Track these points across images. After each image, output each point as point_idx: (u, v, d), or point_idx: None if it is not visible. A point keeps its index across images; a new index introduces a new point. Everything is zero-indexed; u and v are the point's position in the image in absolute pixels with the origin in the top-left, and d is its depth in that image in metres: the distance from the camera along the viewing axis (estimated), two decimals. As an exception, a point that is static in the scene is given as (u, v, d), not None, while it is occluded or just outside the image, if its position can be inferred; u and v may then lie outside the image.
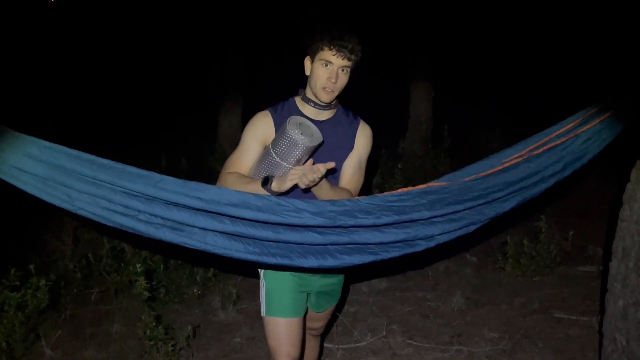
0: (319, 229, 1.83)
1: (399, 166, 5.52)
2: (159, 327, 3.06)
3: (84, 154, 1.73)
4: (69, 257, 4.19)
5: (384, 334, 3.43)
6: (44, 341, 3.27)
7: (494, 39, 8.69)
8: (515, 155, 2.37)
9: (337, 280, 2.31)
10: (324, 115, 2.14)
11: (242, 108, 6.82)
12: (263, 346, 3.35)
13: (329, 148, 2.10)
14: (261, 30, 6.95)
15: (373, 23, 7.79)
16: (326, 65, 1.99)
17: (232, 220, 1.77)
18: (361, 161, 2.21)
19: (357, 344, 3.35)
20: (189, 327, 3.29)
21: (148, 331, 3.05)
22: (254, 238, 1.81)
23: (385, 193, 2.03)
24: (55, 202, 1.74)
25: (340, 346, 3.31)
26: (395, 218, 1.90)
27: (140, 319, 3.12)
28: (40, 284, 3.26)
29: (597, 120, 2.46)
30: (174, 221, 1.76)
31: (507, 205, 2.27)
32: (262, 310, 2.19)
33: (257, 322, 3.63)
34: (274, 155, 1.91)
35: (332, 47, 1.96)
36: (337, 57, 1.97)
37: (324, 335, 3.02)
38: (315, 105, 2.09)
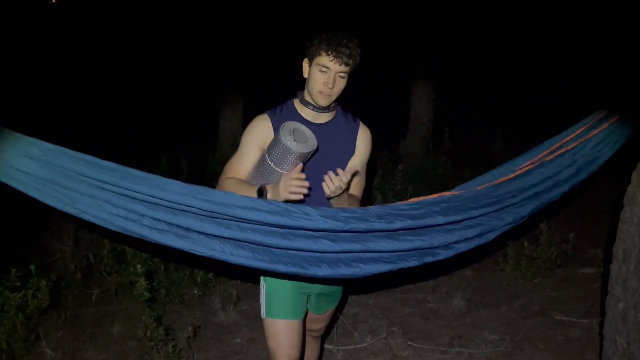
0: (331, 235, 1.81)
1: (400, 167, 5.52)
2: (160, 328, 3.06)
3: (87, 156, 1.71)
4: (70, 257, 4.19)
5: (384, 335, 3.43)
6: (45, 342, 3.27)
7: (494, 39, 8.69)
8: (527, 163, 2.36)
9: (337, 282, 2.31)
10: (323, 118, 2.13)
11: (242, 109, 6.82)
12: (263, 347, 3.35)
13: (329, 151, 2.11)
14: (261, 31, 6.95)
15: (373, 24, 7.79)
16: (323, 71, 1.98)
17: (240, 226, 1.74)
18: (363, 165, 2.22)
19: (358, 346, 3.35)
20: (189, 328, 3.29)
21: (148, 332, 3.05)
22: (263, 245, 1.78)
23: (396, 203, 2.02)
24: (58, 205, 1.71)
25: (340, 347, 3.31)
26: (408, 223, 1.87)
27: (140, 319, 3.12)
28: (41, 285, 3.25)
29: (607, 124, 2.46)
30: (179, 226, 1.73)
31: (524, 211, 2.26)
32: (262, 312, 2.18)
33: (257, 323, 3.63)
34: (268, 161, 1.90)
35: (329, 53, 1.95)
36: (335, 63, 1.96)
37: (324, 336, 3.02)
38: (314, 108, 2.09)
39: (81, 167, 1.68)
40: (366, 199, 2.26)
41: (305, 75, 2.07)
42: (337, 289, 2.35)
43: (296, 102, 2.14)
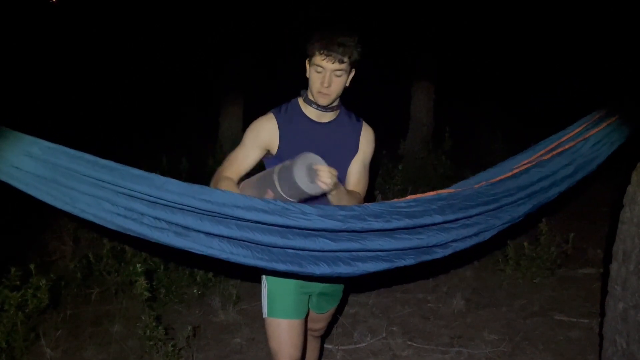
0: (330, 235, 1.80)
1: (400, 167, 5.52)
2: (159, 328, 3.05)
3: (86, 155, 1.71)
4: (70, 257, 4.19)
5: (384, 335, 3.43)
6: (44, 341, 3.27)
7: (494, 39, 8.69)
8: (525, 162, 2.36)
9: (338, 281, 2.31)
10: (327, 117, 2.14)
11: (243, 109, 6.82)
12: (263, 347, 3.35)
13: (332, 150, 2.11)
14: (261, 31, 6.95)
15: (374, 24, 7.79)
16: (319, 71, 1.99)
17: (239, 225, 1.73)
18: (366, 164, 2.22)
19: (357, 345, 3.35)
20: (189, 328, 3.29)
21: (148, 331, 3.05)
22: (261, 244, 1.77)
23: (393, 200, 2.01)
24: (57, 204, 1.70)
25: (340, 347, 3.31)
26: (406, 222, 1.87)
27: (140, 319, 3.12)
28: (41, 284, 3.25)
29: (605, 124, 2.45)
30: (178, 225, 1.73)
31: (522, 210, 2.25)
32: (263, 312, 2.18)
33: (257, 323, 3.63)
34: (278, 188, 1.88)
35: (322, 52, 1.94)
36: (328, 62, 1.95)
37: (324, 336, 3.02)
38: (317, 107, 2.09)
39: (81, 166, 1.68)
40: (367, 199, 2.26)
41: (307, 75, 2.07)
42: (338, 288, 2.36)
43: (300, 101, 2.14)
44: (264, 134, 2.09)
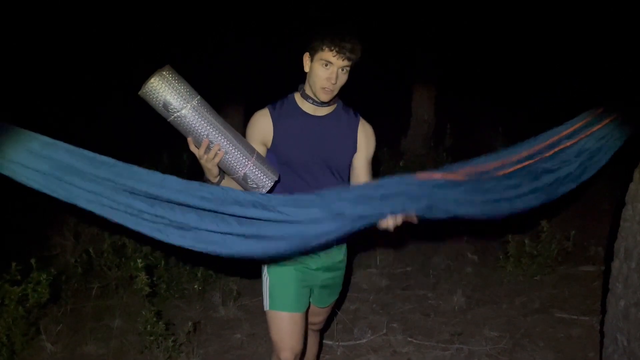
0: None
1: (401, 164, 5.52)
2: (160, 323, 3.06)
3: (86, 151, 1.70)
4: (70, 251, 4.19)
5: (385, 331, 3.43)
6: (45, 335, 3.27)
7: (495, 38, 8.68)
8: (524, 153, 2.33)
9: (339, 274, 2.32)
10: (323, 111, 2.14)
11: (244, 104, 6.81)
12: (263, 342, 3.35)
13: (329, 143, 2.13)
14: (261, 29, 6.94)
15: (375, 22, 7.78)
16: (326, 66, 1.98)
17: (240, 222, 1.74)
18: (369, 160, 2.25)
19: (358, 342, 3.35)
20: (190, 323, 3.29)
21: (148, 326, 3.05)
22: (264, 237, 1.78)
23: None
24: (59, 196, 1.70)
25: (340, 343, 3.31)
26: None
27: (140, 314, 3.12)
28: (41, 279, 3.25)
29: (608, 120, 2.43)
30: (177, 223, 1.72)
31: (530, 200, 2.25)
32: (265, 305, 2.19)
33: (257, 318, 3.63)
34: (173, 120, 1.83)
35: (332, 48, 1.94)
36: (338, 58, 1.96)
37: (324, 332, 3.03)
38: (314, 102, 2.09)
39: (80, 162, 1.67)
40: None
41: (306, 69, 2.06)
42: (339, 281, 2.36)
43: (297, 96, 2.15)
44: (258, 128, 2.11)
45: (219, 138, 1.82)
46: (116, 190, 1.69)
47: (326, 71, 1.99)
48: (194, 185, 1.71)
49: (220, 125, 1.84)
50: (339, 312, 3.55)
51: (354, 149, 2.19)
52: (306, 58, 2.05)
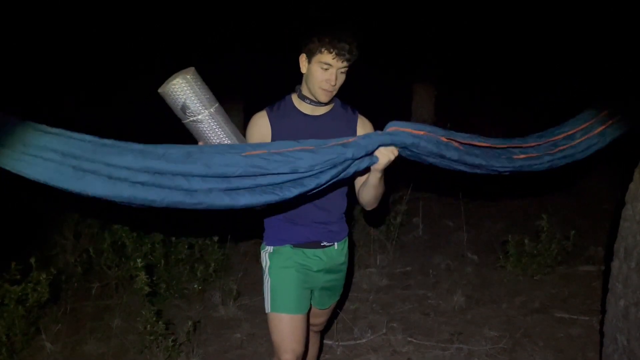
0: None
1: (401, 163, 5.51)
2: (160, 322, 3.06)
3: (87, 136, 1.68)
4: (70, 251, 4.19)
5: (384, 331, 3.43)
6: (44, 335, 3.27)
7: (496, 37, 8.68)
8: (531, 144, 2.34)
9: (340, 276, 2.33)
10: (321, 110, 2.14)
11: (243, 104, 6.82)
12: (263, 342, 3.35)
13: None
14: (261, 31, 6.94)
15: (375, 21, 7.77)
16: (325, 68, 1.97)
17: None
18: None
19: (358, 341, 3.35)
20: (189, 323, 3.29)
21: (148, 326, 3.05)
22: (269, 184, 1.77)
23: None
24: (65, 184, 1.67)
25: (340, 343, 3.31)
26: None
27: (140, 313, 3.12)
28: (41, 278, 3.25)
29: (610, 122, 2.43)
30: (182, 188, 1.69)
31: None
32: (266, 307, 2.18)
33: (257, 318, 3.63)
34: (189, 122, 1.83)
35: (331, 50, 1.93)
36: (337, 60, 1.95)
37: (325, 331, 3.02)
38: (312, 102, 2.09)
39: (81, 148, 1.65)
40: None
41: (303, 70, 2.06)
42: (340, 283, 2.36)
43: (294, 97, 2.15)
44: (257, 130, 2.11)
45: None
46: (120, 168, 1.66)
47: (325, 73, 1.98)
48: (195, 154, 1.69)
49: (233, 135, 1.85)
50: (339, 312, 3.55)
51: None
52: (303, 59, 2.04)
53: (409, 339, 3.34)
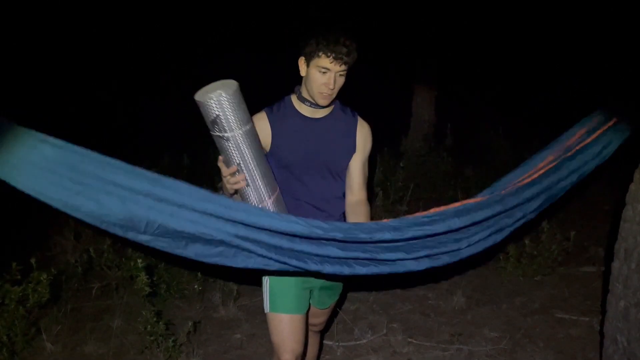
0: (339, 244, 1.81)
1: (401, 164, 5.52)
2: (160, 323, 3.05)
3: (92, 152, 1.67)
4: (70, 251, 4.19)
5: (385, 332, 3.43)
6: (45, 335, 3.27)
7: (496, 38, 8.68)
8: (545, 162, 2.34)
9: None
10: (321, 113, 2.13)
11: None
12: (263, 343, 3.35)
13: (328, 144, 2.12)
14: (261, 30, 6.95)
15: (376, 22, 7.78)
16: (324, 72, 1.96)
17: (247, 228, 1.73)
18: (365, 161, 2.24)
19: (358, 342, 3.35)
20: (190, 323, 3.29)
21: (149, 326, 3.05)
22: (267, 244, 1.78)
23: (417, 214, 1.98)
24: (58, 202, 1.68)
25: (340, 344, 3.31)
26: (422, 232, 1.88)
27: (140, 314, 3.12)
28: (42, 279, 3.25)
29: (610, 123, 2.44)
30: (187, 220, 1.72)
31: (534, 204, 2.25)
32: (265, 307, 2.18)
33: (257, 318, 3.63)
34: (216, 135, 1.82)
35: (329, 55, 1.92)
36: (335, 64, 1.94)
37: (324, 332, 3.03)
38: (311, 104, 2.09)
39: (85, 163, 1.65)
40: (367, 196, 2.26)
41: (302, 73, 2.05)
42: (339, 283, 2.36)
43: (293, 98, 2.14)
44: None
45: (249, 171, 1.85)
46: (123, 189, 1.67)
47: (323, 77, 1.97)
48: (213, 197, 1.72)
49: (256, 159, 1.86)
50: (339, 312, 3.55)
51: (353, 150, 2.18)
52: (302, 62, 2.03)
53: (409, 339, 3.34)
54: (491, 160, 6.08)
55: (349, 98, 2.22)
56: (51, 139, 1.64)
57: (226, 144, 1.79)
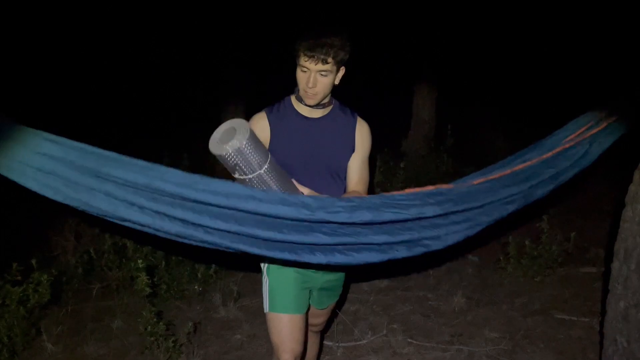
0: (325, 229, 1.80)
1: (402, 165, 5.52)
2: (160, 323, 3.06)
3: (89, 147, 1.70)
4: (71, 252, 4.20)
5: (385, 332, 3.43)
6: (45, 336, 3.28)
7: (496, 39, 8.69)
8: (528, 162, 2.35)
9: (338, 276, 2.32)
10: (319, 113, 2.14)
11: (244, 107, 6.83)
12: (263, 343, 3.36)
13: (327, 145, 2.13)
14: (263, 32, 6.95)
15: (376, 23, 7.78)
16: (304, 71, 1.97)
17: (238, 220, 1.73)
18: (365, 160, 2.23)
19: (358, 342, 3.35)
20: (190, 324, 3.30)
21: (149, 327, 3.05)
22: (258, 237, 1.77)
23: (392, 192, 2.01)
24: (58, 198, 1.70)
25: (340, 344, 3.31)
26: (400, 215, 1.89)
27: (141, 315, 3.12)
28: (42, 279, 3.26)
29: (605, 123, 2.45)
30: (177, 219, 1.72)
31: (510, 208, 2.25)
32: (265, 307, 2.18)
33: (257, 319, 3.63)
34: (238, 177, 1.84)
35: (306, 53, 1.92)
36: (312, 63, 1.94)
37: (325, 333, 3.03)
38: (307, 104, 2.10)
39: (82, 158, 1.67)
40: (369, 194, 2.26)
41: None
42: (339, 283, 2.36)
43: (293, 98, 2.15)
44: (256, 131, 2.10)
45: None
46: (117, 185, 1.69)
47: (305, 76, 1.98)
48: (195, 178, 1.71)
49: (282, 187, 1.87)
50: (339, 313, 3.55)
51: (352, 150, 2.18)
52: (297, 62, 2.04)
53: (409, 340, 3.34)
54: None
55: (349, 99, 2.23)
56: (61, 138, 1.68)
57: (250, 183, 1.81)
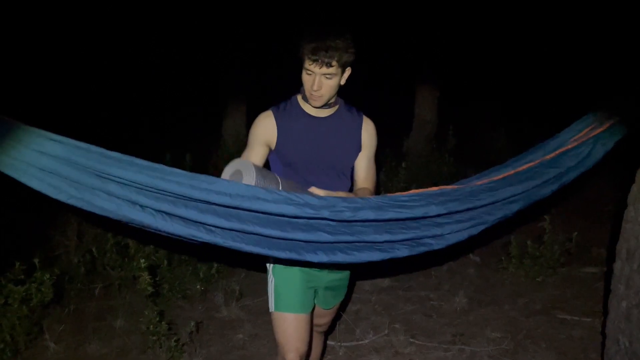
0: (328, 228, 1.82)
1: (403, 165, 5.52)
2: (162, 323, 3.06)
3: (93, 147, 1.71)
4: (73, 251, 4.20)
5: (387, 332, 3.44)
6: (48, 335, 3.28)
7: (497, 39, 8.69)
8: (531, 164, 2.35)
9: (344, 275, 2.33)
10: (325, 112, 2.15)
11: (246, 107, 6.83)
12: (265, 343, 3.36)
13: (333, 144, 2.14)
14: (266, 32, 6.96)
15: (378, 23, 7.79)
16: (309, 74, 1.99)
17: (240, 219, 1.74)
18: (371, 158, 2.26)
19: (360, 342, 3.35)
20: (192, 323, 3.30)
21: (151, 326, 3.06)
22: (261, 235, 1.78)
23: (396, 193, 2.02)
24: (62, 197, 1.70)
25: (342, 344, 3.31)
26: (403, 214, 1.89)
27: (143, 314, 3.13)
28: (45, 278, 3.27)
29: (608, 124, 2.44)
30: (180, 217, 1.73)
31: (514, 207, 2.25)
32: (270, 306, 2.19)
33: (260, 318, 3.63)
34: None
35: (311, 57, 1.94)
36: (316, 66, 1.95)
37: (327, 332, 3.03)
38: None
39: (86, 157, 1.67)
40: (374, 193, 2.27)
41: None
42: (344, 283, 2.37)
43: (299, 98, 2.16)
44: (262, 130, 2.12)
45: None
46: (121, 185, 1.69)
47: (310, 78, 1.99)
48: (200, 177, 1.72)
49: None
50: (341, 313, 3.56)
51: (358, 149, 2.20)
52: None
53: (411, 340, 3.34)
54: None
55: (350, 99, 2.24)
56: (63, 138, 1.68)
57: None
